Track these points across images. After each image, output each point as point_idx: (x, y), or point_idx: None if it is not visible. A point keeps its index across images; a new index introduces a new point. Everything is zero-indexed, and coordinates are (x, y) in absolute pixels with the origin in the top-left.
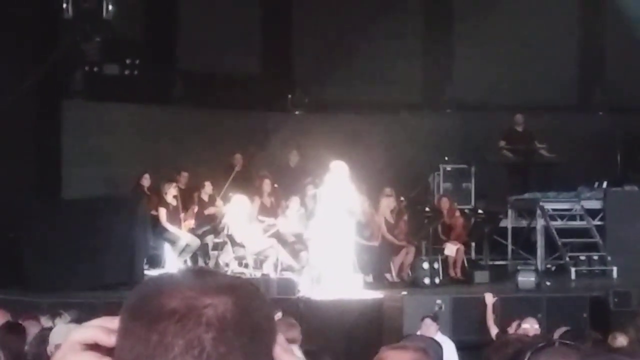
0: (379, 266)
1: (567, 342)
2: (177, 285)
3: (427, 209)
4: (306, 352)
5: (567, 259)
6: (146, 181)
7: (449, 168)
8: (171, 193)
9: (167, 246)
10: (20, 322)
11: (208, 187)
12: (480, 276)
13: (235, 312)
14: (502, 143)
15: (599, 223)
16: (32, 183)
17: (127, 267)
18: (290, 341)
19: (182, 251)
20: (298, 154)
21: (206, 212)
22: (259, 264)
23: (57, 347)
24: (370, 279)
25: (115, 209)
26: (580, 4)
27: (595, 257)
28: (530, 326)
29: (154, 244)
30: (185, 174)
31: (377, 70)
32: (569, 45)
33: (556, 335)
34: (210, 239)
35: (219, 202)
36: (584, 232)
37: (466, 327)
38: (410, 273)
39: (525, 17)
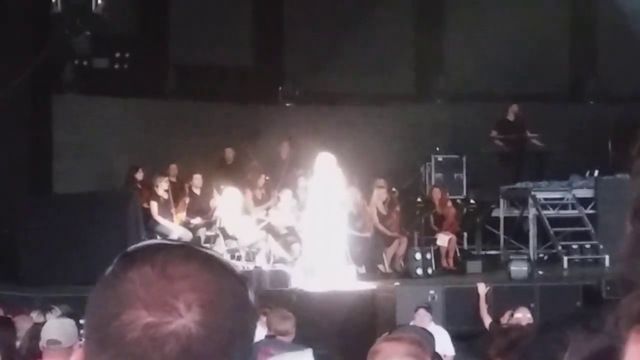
0: (371, 257)
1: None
2: (137, 301)
3: (419, 199)
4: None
5: (560, 248)
6: (139, 175)
7: (440, 158)
8: (162, 187)
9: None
10: (10, 317)
11: (197, 180)
12: (473, 266)
13: (201, 333)
14: (494, 133)
15: (590, 212)
16: (24, 178)
17: None
18: (284, 333)
19: None
20: (289, 146)
21: (198, 205)
22: (251, 256)
23: (49, 341)
24: (362, 270)
25: (107, 202)
26: None
27: (588, 246)
28: (523, 315)
29: (146, 238)
30: (173, 166)
31: (368, 61)
32: (561, 35)
33: None
34: (202, 232)
35: (215, 194)
36: (576, 221)
37: (459, 317)
38: (402, 264)
39: (517, 8)
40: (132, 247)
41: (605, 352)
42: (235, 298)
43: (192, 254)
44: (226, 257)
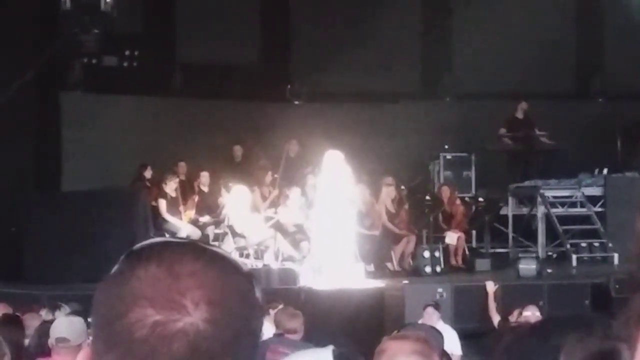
0: (380, 255)
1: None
2: (144, 300)
3: (427, 197)
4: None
5: (568, 246)
6: (148, 173)
7: (449, 156)
8: (171, 185)
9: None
10: (19, 315)
11: (204, 178)
12: (481, 264)
13: (208, 331)
14: (503, 131)
15: (599, 210)
16: (31, 176)
17: None
18: (292, 331)
19: None
20: (297, 144)
21: (207, 202)
22: (259, 254)
23: (58, 339)
24: (371, 268)
25: (115, 201)
26: None
27: (596, 244)
28: (532, 314)
29: (155, 236)
30: (182, 164)
31: (376, 59)
32: (568, 32)
33: None
34: (210, 230)
35: (223, 193)
36: (584, 219)
37: (467, 315)
38: (411, 262)
39: (524, 5)
40: (138, 245)
41: (601, 356)
42: (242, 295)
43: (198, 251)
44: (235, 255)
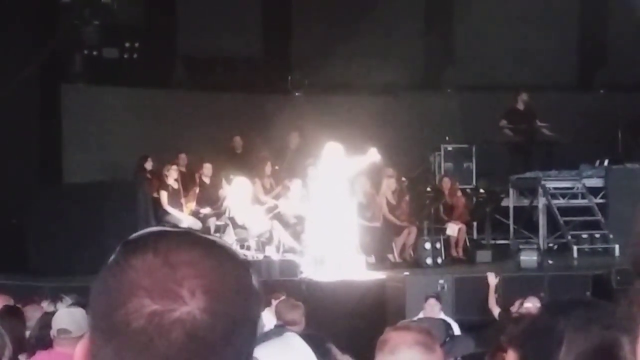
0: (381, 247)
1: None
2: (141, 290)
3: (428, 189)
4: (307, 337)
5: (569, 237)
6: (149, 164)
7: (450, 148)
8: (172, 176)
9: None
10: (20, 306)
11: (207, 169)
12: (482, 256)
13: (206, 320)
14: (504, 122)
15: (600, 201)
16: (33, 168)
17: None
18: (292, 323)
19: None
20: (299, 136)
21: (208, 194)
22: (261, 246)
23: (60, 331)
24: (372, 259)
25: (117, 192)
26: None
27: (597, 235)
28: (533, 305)
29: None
30: (182, 156)
31: (377, 50)
32: (570, 23)
33: None
34: (212, 222)
35: (224, 184)
36: (585, 211)
37: (468, 307)
38: (412, 253)
39: None
40: (134, 235)
41: (602, 347)
42: (239, 284)
43: (194, 240)
44: (236, 247)
